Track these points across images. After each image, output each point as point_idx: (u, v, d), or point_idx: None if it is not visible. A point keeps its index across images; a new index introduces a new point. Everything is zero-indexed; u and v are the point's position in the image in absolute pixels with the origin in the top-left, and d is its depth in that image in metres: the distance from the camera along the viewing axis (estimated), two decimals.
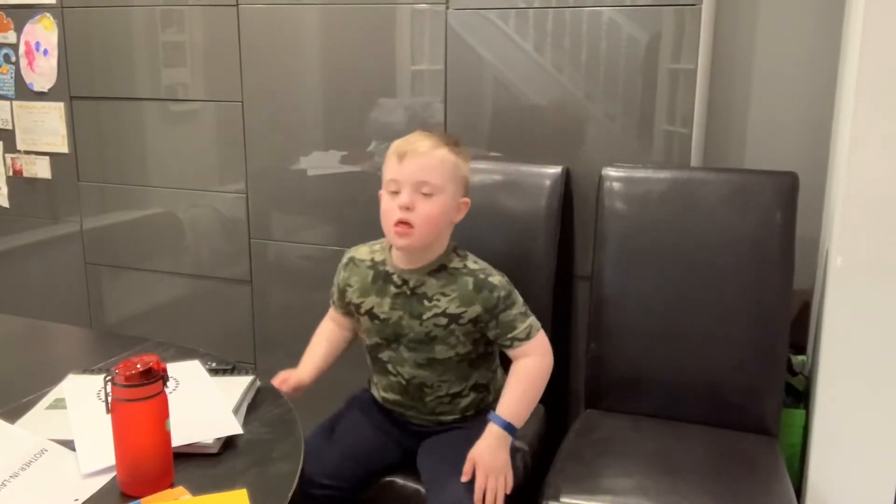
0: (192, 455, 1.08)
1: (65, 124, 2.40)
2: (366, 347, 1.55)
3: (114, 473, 1.02)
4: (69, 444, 1.09)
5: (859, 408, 1.61)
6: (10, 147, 2.51)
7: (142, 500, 0.96)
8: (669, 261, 1.67)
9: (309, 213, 2.16)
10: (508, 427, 1.38)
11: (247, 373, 1.32)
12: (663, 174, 1.72)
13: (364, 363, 1.58)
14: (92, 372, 1.34)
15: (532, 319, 1.44)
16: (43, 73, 2.40)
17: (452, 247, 1.47)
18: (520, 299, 1.44)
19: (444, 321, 1.43)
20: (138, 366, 0.97)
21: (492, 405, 1.45)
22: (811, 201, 1.94)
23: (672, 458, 1.51)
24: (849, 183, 1.55)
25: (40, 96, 2.42)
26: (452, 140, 1.44)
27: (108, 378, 0.98)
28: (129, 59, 2.27)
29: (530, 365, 1.42)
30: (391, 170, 1.40)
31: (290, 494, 0.99)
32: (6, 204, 2.57)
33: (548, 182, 1.80)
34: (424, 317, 1.43)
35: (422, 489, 1.45)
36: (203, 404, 1.20)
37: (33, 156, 2.48)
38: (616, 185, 1.72)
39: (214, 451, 1.09)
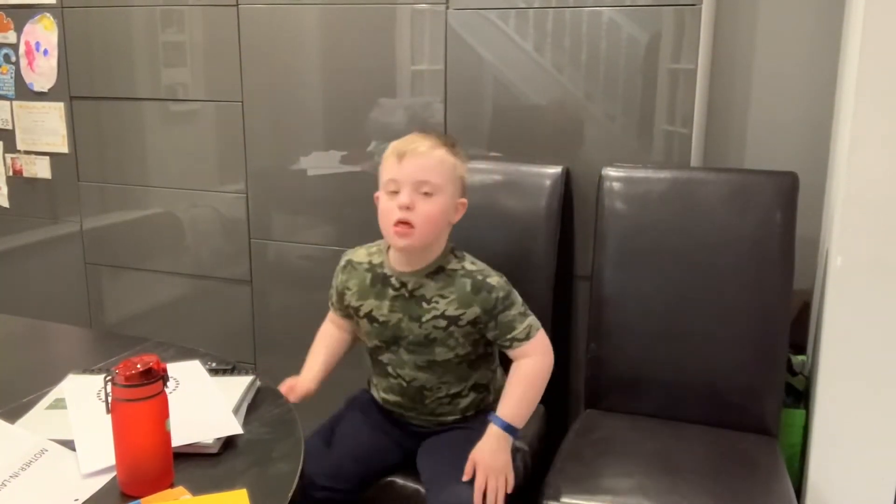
0: (192, 455, 1.08)
1: (65, 124, 2.40)
2: (366, 350, 1.55)
3: (114, 473, 1.02)
4: (69, 444, 1.09)
5: (859, 408, 1.61)
6: (10, 147, 2.51)
7: (142, 500, 0.96)
8: (669, 261, 1.67)
9: (309, 213, 2.16)
10: (509, 428, 1.38)
11: (247, 373, 1.32)
12: (663, 174, 1.72)
13: (363, 364, 1.58)
14: (92, 372, 1.34)
15: (531, 319, 1.44)
16: (43, 73, 2.40)
17: (450, 248, 1.47)
18: (519, 299, 1.44)
19: (443, 323, 1.42)
20: (138, 366, 0.97)
21: (492, 405, 1.45)
22: (811, 201, 1.94)
23: (672, 458, 1.51)
24: (849, 183, 1.55)
25: (40, 96, 2.42)
26: (449, 141, 1.45)
27: (109, 378, 0.98)
28: (129, 59, 2.27)
29: (530, 365, 1.42)
30: (390, 170, 1.40)
31: (290, 494, 0.99)
32: (6, 204, 2.57)
33: (548, 182, 1.80)
34: (423, 319, 1.43)
35: (422, 489, 1.45)
36: (203, 404, 1.20)
37: (33, 156, 2.48)
38: (616, 185, 1.72)
39: (214, 451, 1.09)
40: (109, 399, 0.98)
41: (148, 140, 2.31)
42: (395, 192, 1.39)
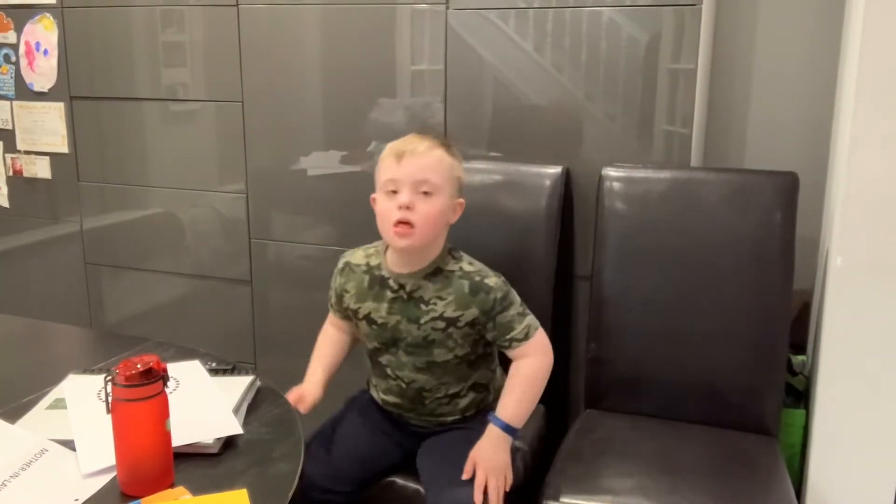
0: (192, 455, 1.08)
1: (65, 124, 2.40)
2: (366, 351, 1.54)
3: (114, 473, 1.02)
4: (69, 444, 1.10)
5: (859, 408, 1.61)
6: (10, 147, 2.51)
7: (142, 500, 0.96)
8: (669, 261, 1.67)
9: (309, 213, 2.16)
10: (508, 428, 1.38)
11: (247, 373, 1.32)
12: (663, 174, 1.72)
13: (362, 364, 1.58)
14: (92, 372, 1.34)
15: (530, 319, 1.43)
16: (43, 73, 2.40)
17: (448, 248, 1.47)
18: (517, 299, 1.44)
19: (441, 325, 1.42)
20: (138, 366, 0.97)
21: (492, 405, 1.45)
22: (811, 201, 1.94)
23: (672, 458, 1.51)
24: (849, 183, 1.55)
25: (40, 96, 2.42)
26: (446, 142, 1.44)
27: (109, 378, 0.98)
28: (129, 59, 2.27)
29: (529, 365, 1.42)
30: (389, 170, 1.39)
31: (290, 494, 1.00)
32: (6, 204, 2.57)
33: (548, 182, 1.80)
34: (422, 321, 1.43)
35: (422, 489, 1.45)
36: (203, 404, 1.20)
37: (33, 156, 2.48)
38: (616, 185, 1.72)
39: (214, 451, 1.09)
40: (109, 399, 0.98)
41: (148, 140, 2.31)
42: (394, 192, 1.38)
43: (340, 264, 1.53)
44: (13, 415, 1.19)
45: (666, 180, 1.70)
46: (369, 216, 1.44)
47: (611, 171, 1.74)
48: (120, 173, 2.37)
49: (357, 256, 1.52)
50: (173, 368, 1.16)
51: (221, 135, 2.21)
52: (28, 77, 2.42)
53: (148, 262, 2.39)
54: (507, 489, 1.36)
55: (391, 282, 1.45)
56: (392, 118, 2.00)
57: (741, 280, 1.62)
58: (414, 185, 1.37)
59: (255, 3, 2.09)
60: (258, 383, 1.31)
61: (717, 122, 2.08)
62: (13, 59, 2.43)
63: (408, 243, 1.38)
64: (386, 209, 1.39)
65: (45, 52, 2.37)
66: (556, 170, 1.80)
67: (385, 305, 1.45)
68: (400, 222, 1.37)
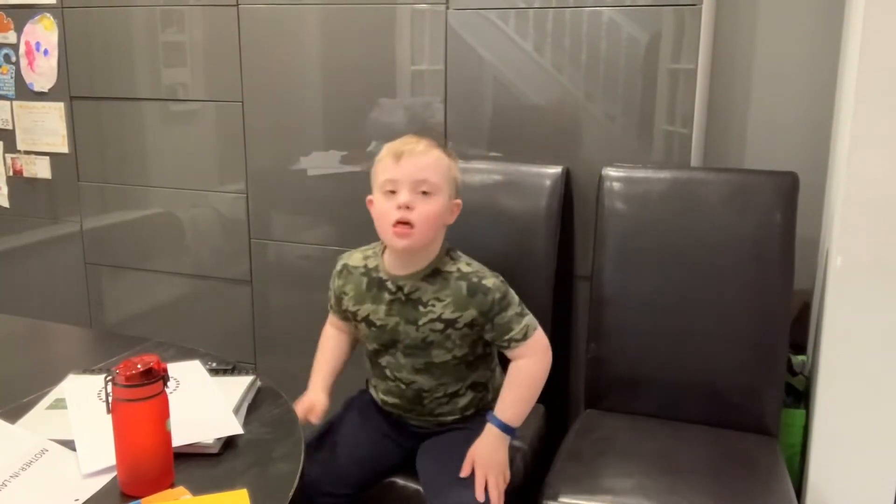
0: (192, 455, 1.08)
1: (65, 124, 2.40)
2: (366, 352, 1.54)
3: (114, 473, 1.02)
4: (69, 444, 1.10)
5: (859, 408, 1.61)
6: (10, 147, 2.51)
7: (142, 500, 0.96)
8: (669, 261, 1.67)
9: (309, 213, 2.16)
10: (506, 428, 1.38)
11: (247, 373, 1.32)
12: (663, 174, 1.72)
13: (361, 364, 1.58)
14: (92, 372, 1.34)
15: (528, 319, 1.43)
16: (43, 73, 2.40)
17: (445, 249, 1.46)
18: (515, 300, 1.43)
19: (440, 326, 1.42)
20: (139, 366, 0.97)
21: (491, 404, 1.45)
22: (811, 201, 1.94)
23: (672, 458, 1.51)
24: (849, 183, 1.55)
25: (40, 96, 2.42)
26: (442, 143, 1.44)
27: (109, 378, 0.98)
28: (129, 59, 2.27)
29: (528, 365, 1.41)
30: (387, 170, 1.38)
31: (290, 494, 0.99)
32: (6, 204, 2.57)
33: (548, 182, 1.80)
34: (420, 322, 1.43)
35: (422, 490, 1.44)
36: (203, 404, 1.20)
37: (33, 156, 2.48)
38: (616, 185, 1.72)
39: (215, 451, 1.09)
40: (110, 399, 0.98)
41: (148, 140, 2.31)
42: (392, 193, 1.38)
43: (338, 266, 1.53)
44: (13, 415, 1.19)
45: (666, 180, 1.70)
46: (369, 216, 1.44)
47: (611, 171, 1.74)
48: (120, 173, 2.37)
49: (355, 258, 1.51)
50: (173, 368, 1.16)
51: (221, 135, 2.21)
52: (28, 77, 2.42)
53: (148, 262, 2.39)
54: (505, 485, 1.36)
55: (389, 284, 1.44)
56: (392, 118, 2.00)
57: (741, 280, 1.62)
58: (413, 184, 1.37)
59: (255, 3, 2.09)
60: (258, 383, 1.31)
61: (717, 122, 2.08)
62: (13, 59, 2.43)
63: (407, 243, 1.38)
64: (384, 209, 1.38)
65: (46, 52, 2.37)
66: (556, 170, 1.80)
67: (383, 307, 1.45)
68: (399, 222, 1.36)
